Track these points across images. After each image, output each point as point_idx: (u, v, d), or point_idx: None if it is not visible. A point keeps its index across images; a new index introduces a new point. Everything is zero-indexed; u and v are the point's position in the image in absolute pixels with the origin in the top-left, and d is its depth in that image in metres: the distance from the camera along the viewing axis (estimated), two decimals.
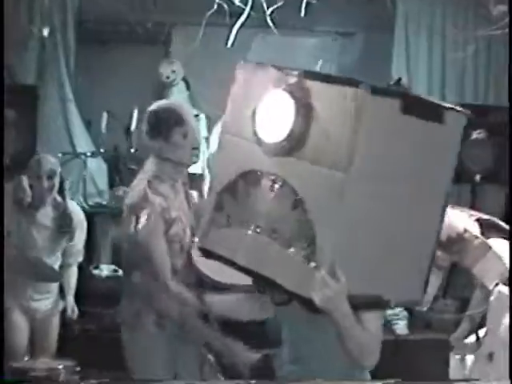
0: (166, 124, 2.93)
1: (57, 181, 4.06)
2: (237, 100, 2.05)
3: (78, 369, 3.56)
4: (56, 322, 4.21)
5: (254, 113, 1.93)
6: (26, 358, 3.92)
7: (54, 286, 4.17)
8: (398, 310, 5.06)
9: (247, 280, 2.10)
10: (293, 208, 1.84)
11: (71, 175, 5.87)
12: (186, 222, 3.01)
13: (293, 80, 1.86)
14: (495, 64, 6.35)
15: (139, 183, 2.96)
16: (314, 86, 1.82)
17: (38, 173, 4.02)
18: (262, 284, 2.07)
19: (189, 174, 3.99)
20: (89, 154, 5.92)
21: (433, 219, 1.99)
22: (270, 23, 5.09)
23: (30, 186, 4.01)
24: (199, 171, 6.17)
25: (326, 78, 1.82)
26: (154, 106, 3.05)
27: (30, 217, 4.05)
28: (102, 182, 6.11)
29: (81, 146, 6.11)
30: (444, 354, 3.33)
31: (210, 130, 6.30)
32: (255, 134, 1.92)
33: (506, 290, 2.80)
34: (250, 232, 1.94)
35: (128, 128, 6.06)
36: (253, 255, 1.96)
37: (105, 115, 5.99)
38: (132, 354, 3.03)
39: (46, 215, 4.09)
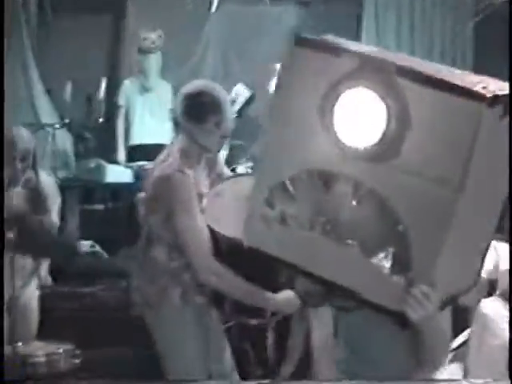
0: (201, 109, 2.88)
1: (31, 159, 3.71)
2: (295, 85, 1.83)
3: (78, 352, 3.47)
4: (35, 304, 3.99)
5: (327, 107, 1.77)
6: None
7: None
8: None
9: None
10: (380, 217, 1.77)
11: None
12: None
13: (382, 76, 1.70)
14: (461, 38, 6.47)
15: (169, 157, 2.89)
16: (409, 87, 1.68)
17: (11, 152, 3.62)
18: (325, 289, 2.03)
19: None
20: (57, 125, 5.73)
21: (493, 220, 1.99)
22: None
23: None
24: None
25: (428, 81, 1.67)
26: (192, 87, 2.96)
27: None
28: (69, 154, 5.97)
29: (45, 117, 5.93)
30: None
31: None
32: (331, 131, 1.78)
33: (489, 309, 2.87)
34: (316, 235, 1.85)
35: (90, 98, 5.92)
36: (321, 260, 1.88)
37: (69, 84, 5.82)
38: (162, 334, 2.98)
39: (17, 197, 3.77)
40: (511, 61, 4.16)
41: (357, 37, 6.80)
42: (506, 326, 2.80)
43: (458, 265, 1.88)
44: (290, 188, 1.86)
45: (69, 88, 5.82)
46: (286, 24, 7.03)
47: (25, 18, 5.90)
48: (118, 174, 5.55)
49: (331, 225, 1.83)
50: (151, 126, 6.20)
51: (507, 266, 2.81)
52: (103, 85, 5.76)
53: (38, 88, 5.98)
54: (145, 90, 6.18)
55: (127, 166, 5.78)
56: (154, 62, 6.07)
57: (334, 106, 1.76)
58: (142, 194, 3.31)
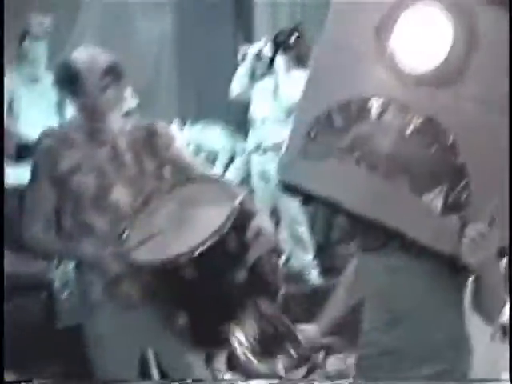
0: None
1: None
2: (345, 18, 1.74)
3: None
4: None
5: (383, 28, 1.67)
6: None
7: None
8: (309, 259, 5.10)
9: None
10: (436, 150, 1.67)
11: None
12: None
13: None
14: None
15: None
16: (481, 8, 1.58)
17: None
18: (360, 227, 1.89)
19: None
20: None
21: None
22: None
23: None
24: None
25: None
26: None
27: None
28: None
29: None
30: None
31: None
32: (386, 55, 1.68)
33: None
34: (362, 170, 1.74)
35: None
36: (365, 198, 1.76)
37: None
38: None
39: None
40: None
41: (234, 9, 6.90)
42: None
43: None
44: (337, 118, 1.73)
45: None
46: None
47: None
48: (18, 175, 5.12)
49: (379, 159, 1.72)
50: (39, 120, 5.84)
51: None
52: None
53: None
54: (31, 80, 5.81)
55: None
56: (42, 49, 5.69)
57: (392, 26, 1.64)
58: None
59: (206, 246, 2.19)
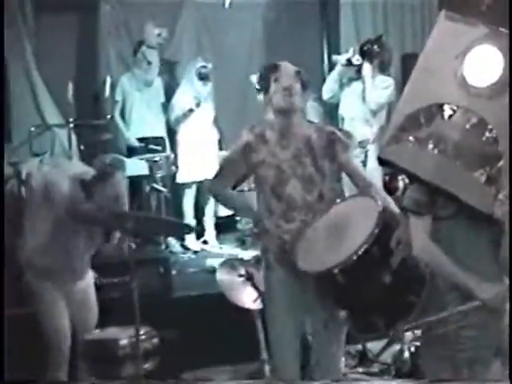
0: (264, 71, 3.33)
1: None
2: (441, 44, 2.55)
3: (155, 333, 3.79)
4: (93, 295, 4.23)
5: (461, 58, 2.45)
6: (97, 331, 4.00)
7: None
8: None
9: None
10: (485, 141, 2.43)
11: (43, 148, 6.05)
12: (280, 168, 3.31)
13: (504, 39, 2.41)
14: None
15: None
16: None
17: None
18: (436, 197, 2.59)
19: None
20: (65, 125, 6.06)
21: None
22: None
23: None
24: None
25: None
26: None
27: None
28: (74, 154, 6.23)
29: (50, 118, 6.25)
30: None
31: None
32: (460, 76, 2.46)
33: None
34: (435, 152, 2.49)
35: (97, 96, 6.28)
36: (437, 172, 2.50)
37: (70, 85, 6.13)
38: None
39: None
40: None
41: (320, 23, 7.73)
42: None
43: None
44: (422, 117, 2.52)
45: (70, 88, 6.12)
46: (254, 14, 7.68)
47: (21, 19, 6.19)
48: (135, 166, 5.88)
49: (447, 145, 2.48)
50: (149, 120, 6.63)
51: None
52: (108, 83, 6.11)
53: (42, 90, 6.27)
54: (146, 84, 6.58)
55: (141, 159, 6.15)
56: (156, 56, 6.49)
57: (464, 57, 2.47)
58: None
59: (358, 254, 2.70)
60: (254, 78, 3.65)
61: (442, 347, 2.66)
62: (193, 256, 6.49)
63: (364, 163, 5.84)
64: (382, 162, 2.69)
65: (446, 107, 2.50)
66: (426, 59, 2.60)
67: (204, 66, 6.46)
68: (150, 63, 6.42)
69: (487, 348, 2.66)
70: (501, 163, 2.43)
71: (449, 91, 2.51)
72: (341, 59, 6.20)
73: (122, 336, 3.77)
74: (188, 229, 4.76)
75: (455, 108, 2.48)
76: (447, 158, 2.49)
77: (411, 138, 2.55)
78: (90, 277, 4.25)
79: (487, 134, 2.44)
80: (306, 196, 3.27)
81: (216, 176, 3.55)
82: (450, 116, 2.49)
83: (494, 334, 2.66)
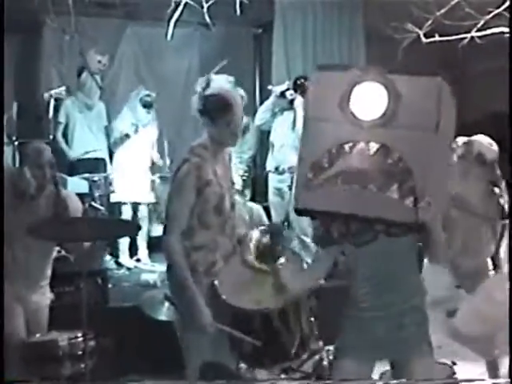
0: (214, 109, 3.63)
1: (55, 169, 4.10)
2: (319, 96, 2.90)
3: (91, 336, 3.96)
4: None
5: (345, 100, 2.82)
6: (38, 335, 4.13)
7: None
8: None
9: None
10: (391, 163, 2.76)
11: None
12: (225, 188, 3.67)
13: (380, 74, 2.80)
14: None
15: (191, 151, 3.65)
16: (396, 77, 2.80)
17: (39, 162, 4.01)
18: (363, 225, 2.99)
19: None
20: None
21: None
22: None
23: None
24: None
25: (406, 72, 2.80)
26: (208, 91, 3.82)
27: (31, 209, 4.07)
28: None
29: None
30: None
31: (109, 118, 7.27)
32: (350, 114, 2.82)
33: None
34: (346, 187, 2.82)
35: (40, 116, 6.74)
36: (350, 202, 2.80)
37: (15, 105, 6.49)
38: None
39: (43, 206, 4.13)
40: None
41: (254, 54, 8.42)
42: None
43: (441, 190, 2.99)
44: (324, 161, 2.87)
45: (15, 108, 6.48)
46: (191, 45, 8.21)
47: None
48: (76, 185, 6.27)
49: (356, 175, 2.82)
50: (90, 142, 7.12)
51: None
52: (51, 104, 6.58)
53: None
54: (87, 108, 7.10)
55: (82, 178, 6.62)
56: (97, 82, 7.04)
57: (349, 97, 2.86)
58: None
59: None
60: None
61: None
62: (127, 272, 7.02)
63: (290, 188, 6.48)
64: (299, 212, 2.98)
65: (345, 145, 2.81)
66: (313, 110, 2.93)
67: (148, 95, 7.06)
68: (90, 88, 6.95)
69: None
70: (412, 178, 2.74)
71: (344, 130, 2.82)
72: (275, 90, 6.94)
73: (62, 338, 4.01)
74: (138, 228, 5.02)
75: (355, 142, 2.81)
76: (356, 187, 2.77)
77: (320, 181, 2.84)
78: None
79: (391, 155, 2.77)
80: None
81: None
82: (351, 150, 2.82)
83: None
